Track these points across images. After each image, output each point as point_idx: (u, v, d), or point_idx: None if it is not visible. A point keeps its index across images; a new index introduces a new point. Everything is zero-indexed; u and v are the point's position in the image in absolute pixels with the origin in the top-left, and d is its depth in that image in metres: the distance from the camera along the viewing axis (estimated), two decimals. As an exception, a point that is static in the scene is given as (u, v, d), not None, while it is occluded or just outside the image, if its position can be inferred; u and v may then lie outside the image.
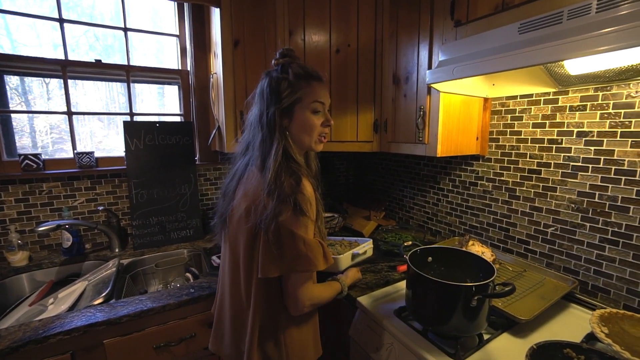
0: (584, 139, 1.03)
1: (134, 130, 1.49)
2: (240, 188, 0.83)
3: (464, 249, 1.14)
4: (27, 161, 1.36)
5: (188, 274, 1.51)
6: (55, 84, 1.49)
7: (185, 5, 1.63)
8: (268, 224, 0.71)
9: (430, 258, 1.03)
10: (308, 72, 0.80)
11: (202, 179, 1.73)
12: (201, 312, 1.12)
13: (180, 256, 1.55)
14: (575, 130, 1.05)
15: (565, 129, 1.07)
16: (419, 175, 1.69)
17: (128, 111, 1.60)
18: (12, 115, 1.41)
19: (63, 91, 1.46)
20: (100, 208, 1.46)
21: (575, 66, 0.88)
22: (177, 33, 1.67)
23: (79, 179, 1.44)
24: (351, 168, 2.20)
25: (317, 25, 1.44)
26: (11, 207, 1.35)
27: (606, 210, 0.99)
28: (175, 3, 1.64)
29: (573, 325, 0.92)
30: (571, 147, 1.06)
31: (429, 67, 1.17)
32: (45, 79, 1.48)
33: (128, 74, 1.56)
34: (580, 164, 1.04)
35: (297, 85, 0.78)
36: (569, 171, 1.07)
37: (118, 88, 1.63)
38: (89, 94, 1.57)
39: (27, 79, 1.46)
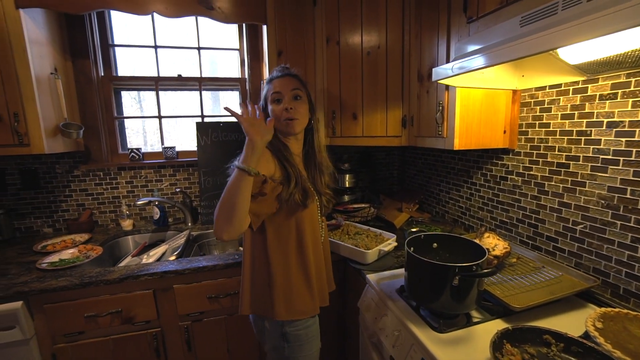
0: (614, 129, 0.96)
1: (203, 129, 1.86)
2: None
3: (477, 240, 1.16)
4: (132, 154, 1.84)
5: (241, 248, 1.83)
6: (152, 95, 1.96)
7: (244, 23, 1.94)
8: None
9: (435, 244, 1.10)
10: (271, 77, 1.04)
11: (255, 169, 2.04)
12: (243, 274, 1.39)
13: (235, 233, 1.87)
14: (605, 120, 0.98)
15: (594, 119, 1.00)
16: (454, 170, 1.69)
17: (200, 114, 2.00)
18: (125, 120, 1.93)
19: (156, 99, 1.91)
20: (178, 190, 1.88)
21: (570, 55, 0.85)
22: (238, 47, 2.00)
23: (165, 168, 1.88)
24: (394, 162, 2.26)
25: (350, 31, 1.58)
26: (123, 187, 1.85)
27: (638, 207, 0.91)
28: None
29: (580, 323, 0.89)
30: (601, 139, 0.99)
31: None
32: (147, 92, 1.97)
33: (200, 83, 1.95)
34: (610, 157, 0.97)
35: (265, 88, 1.05)
36: (599, 165, 1.00)
37: (197, 95, 2.04)
38: (178, 101, 2.01)
39: (133, 93, 1.96)
